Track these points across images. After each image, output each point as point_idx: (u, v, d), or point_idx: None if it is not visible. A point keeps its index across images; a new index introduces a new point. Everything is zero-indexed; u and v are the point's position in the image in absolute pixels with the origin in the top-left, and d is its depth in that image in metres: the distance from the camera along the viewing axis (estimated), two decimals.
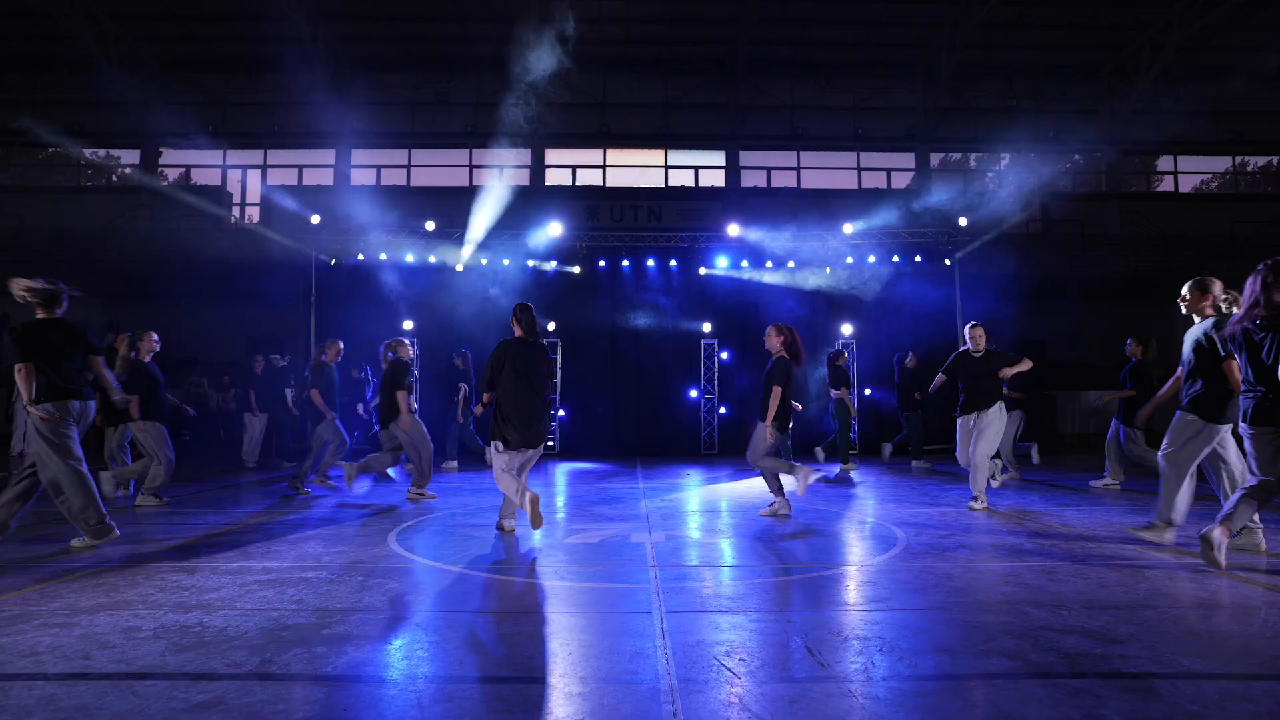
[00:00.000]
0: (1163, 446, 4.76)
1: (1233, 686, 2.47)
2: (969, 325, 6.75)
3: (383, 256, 12.96)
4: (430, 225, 12.77)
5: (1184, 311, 4.80)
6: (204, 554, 4.57)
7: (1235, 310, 4.61)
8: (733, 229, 12.48)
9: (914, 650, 2.83)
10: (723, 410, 12.38)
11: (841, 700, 2.36)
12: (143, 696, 2.38)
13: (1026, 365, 6.41)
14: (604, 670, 2.65)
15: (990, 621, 3.17)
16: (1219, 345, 4.51)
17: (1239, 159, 19.56)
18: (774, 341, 6.09)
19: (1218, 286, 4.69)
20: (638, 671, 2.61)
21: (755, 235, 12.38)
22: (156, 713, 2.25)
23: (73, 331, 4.77)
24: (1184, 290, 4.75)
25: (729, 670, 2.61)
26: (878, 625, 3.17)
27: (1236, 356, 4.31)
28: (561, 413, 12.49)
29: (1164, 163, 19.69)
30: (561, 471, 9.93)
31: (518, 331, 5.36)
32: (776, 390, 5.92)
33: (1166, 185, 19.59)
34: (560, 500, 7.16)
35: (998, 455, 8.46)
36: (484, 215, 12.45)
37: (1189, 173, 19.57)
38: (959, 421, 6.58)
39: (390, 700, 2.38)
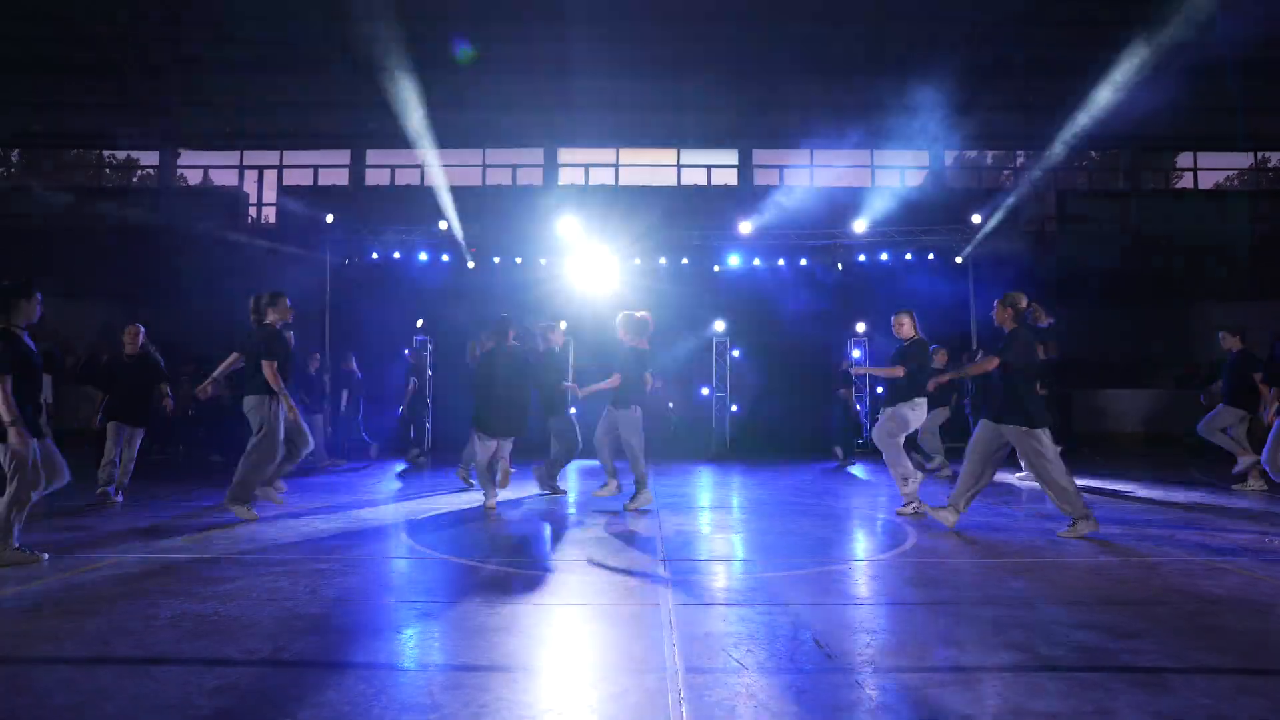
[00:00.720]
0: (1025, 465, 5.20)
1: (1247, 681, 2.45)
2: (895, 313, 6.43)
3: (396, 255, 13.05)
4: (444, 225, 12.84)
5: (996, 324, 5.29)
6: (221, 545, 4.64)
7: (1042, 320, 5.21)
8: (744, 226, 12.45)
9: (922, 643, 2.82)
10: (734, 409, 12.36)
11: (849, 691, 2.36)
12: (159, 680, 2.43)
13: (896, 373, 5.99)
14: (611, 660, 2.67)
15: (1000, 616, 3.15)
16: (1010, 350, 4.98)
17: (1260, 155, 19.26)
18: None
19: (1023, 301, 5.22)
20: (645, 661, 2.63)
21: (768, 233, 12.35)
22: (172, 696, 2.30)
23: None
24: (995, 305, 5.26)
25: (736, 661, 2.61)
26: (886, 619, 3.16)
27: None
28: (573, 410, 12.52)
29: (1184, 160, 19.43)
30: (572, 470, 9.96)
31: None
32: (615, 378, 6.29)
33: (1186, 182, 19.33)
34: (571, 496, 7.19)
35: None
36: (496, 214, 12.48)
37: (1208, 169, 19.31)
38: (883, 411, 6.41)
39: (400, 687, 2.41)
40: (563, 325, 12.49)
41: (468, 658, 2.68)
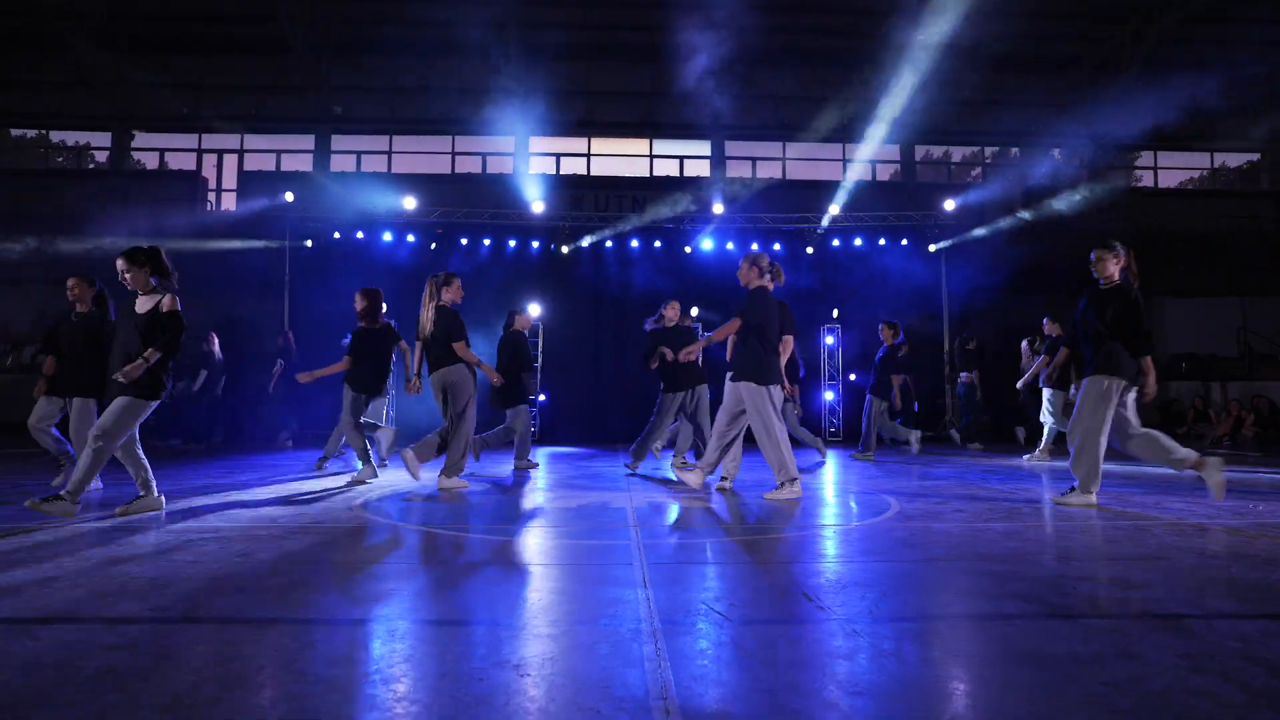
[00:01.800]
0: (719, 416, 5.37)
1: (1273, 625, 2.25)
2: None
3: (359, 235, 12.58)
4: (410, 202, 12.41)
5: (741, 283, 5.36)
6: (147, 516, 4.22)
7: (779, 281, 5.29)
8: (717, 207, 12.24)
9: (922, 594, 2.58)
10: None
11: (847, 639, 2.10)
12: (41, 640, 2.06)
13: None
14: (578, 614, 2.37)
15: (1000, 570, 2.93)
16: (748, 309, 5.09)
17: (1217, 156, 19.72)
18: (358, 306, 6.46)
19: (765, 260, 5.31)
20: (616, 615, 2.33)
21: (740, 217, 12.16)
22: (54, 654, 1.94)
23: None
24: (740, 263, 5.37)
25: (718, 614, 2.34)
26: (879, 575, 2.92)
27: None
28: (542, 397, 12.19)
29: (1146, 159, 19.80)
30: (541, 454, 9.62)
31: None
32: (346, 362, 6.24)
33: (1147, 181, 19.70)
34: (538, 473, 6.86)
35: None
36: (465, 200, 12.06)
37: (1168, 168, 19.70)
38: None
39: (332, 642, 2.08)
40: (536, 311, 12.17)
41: (415, 615, 2.36)
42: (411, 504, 4.90)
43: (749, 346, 5.10)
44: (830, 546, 3.53)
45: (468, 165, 18.53)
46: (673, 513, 4.57)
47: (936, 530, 3.90)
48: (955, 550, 3.35)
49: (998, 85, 18.32)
